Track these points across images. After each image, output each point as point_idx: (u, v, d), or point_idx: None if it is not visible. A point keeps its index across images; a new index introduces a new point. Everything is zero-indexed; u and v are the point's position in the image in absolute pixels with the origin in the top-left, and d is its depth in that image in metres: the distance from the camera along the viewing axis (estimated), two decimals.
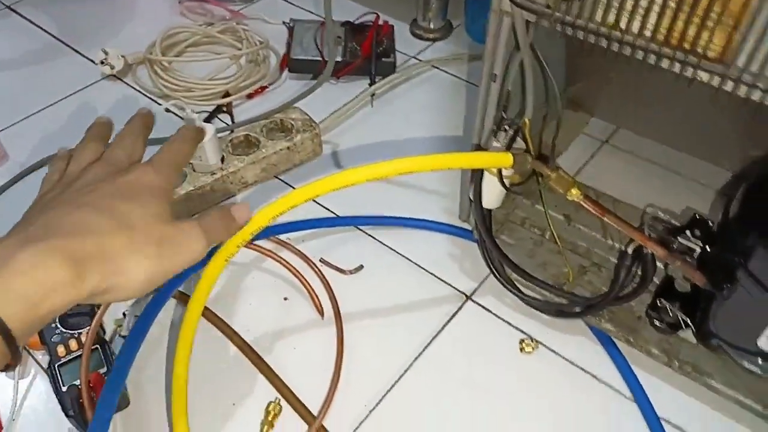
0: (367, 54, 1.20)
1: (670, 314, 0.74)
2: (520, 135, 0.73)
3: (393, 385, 0.76)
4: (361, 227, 0.95)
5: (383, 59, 1.21)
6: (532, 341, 0.79)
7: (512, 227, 0.89)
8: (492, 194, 0.79)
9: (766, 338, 0.62)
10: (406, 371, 0.77)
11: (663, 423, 0.71)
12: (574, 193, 0.65)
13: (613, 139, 1.08)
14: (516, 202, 0.91)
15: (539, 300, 0.80)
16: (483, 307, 0.84)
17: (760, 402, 0.68)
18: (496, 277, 0.82)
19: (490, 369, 0.78)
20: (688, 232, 0.69)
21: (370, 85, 1.19)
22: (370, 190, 0.86)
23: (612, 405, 0.74)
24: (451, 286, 0.87)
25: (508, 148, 0.73)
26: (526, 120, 0.72)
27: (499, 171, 0.75)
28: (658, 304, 0.75)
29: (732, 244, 0.63)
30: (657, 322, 0.75)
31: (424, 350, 0.79)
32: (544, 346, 0.80)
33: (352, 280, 0.87)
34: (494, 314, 0.84)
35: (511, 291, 0.81)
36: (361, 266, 0.89)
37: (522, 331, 0.81)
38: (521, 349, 0.79)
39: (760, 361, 0.65)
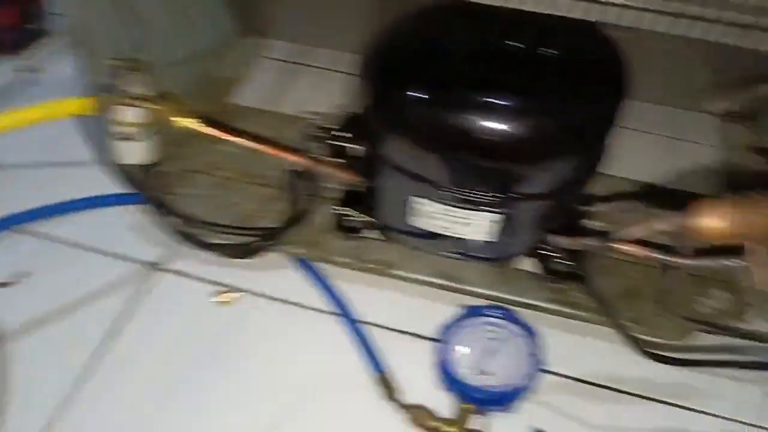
0: None
1: (351, 219, 0.72)
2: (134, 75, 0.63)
3: (77, 388, 0.65)
4: (15, 227, 0.79)
5: None
6: (232, 292, 0.73)
7: (193, 177, 0.80)
8: (136, 149, 0.69)
9: (414, 216, 0.62)
10: (90, 370, 0.67)
11: (365, 326, 0.70)
12: (187, 122, 0.58)
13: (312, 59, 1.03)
14: (198, 149, 0.82)
15: (229, 245, 0.74)
16: (175, 272, 0.76)
17: (444, 277, 0.70)
18: (178, 234, 0.74)
19: (191, 332, 0.70)
20: (342, 133, 0.66)
21: None
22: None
23: (318, 326, 0.72)
24: (136, 260, 0.76)
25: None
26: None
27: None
28: (339, 211, 0.72)
29: (369, 134, 0.61)
30: (345, 230, 0.73)
31: (111, 340, 0.69)
32: (249, 292, 0.74)
33: (16, 291, 0.73)
34: (188, 275, 0.76)
35: (194, 245, 0.73)
36: (28, 273, 0.75)
37: (223, 284, 0.75)
38: (222, 303, 0.73)
39: (417, 238, 0.66)
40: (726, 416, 0.64)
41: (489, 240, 0.60)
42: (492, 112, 0.51)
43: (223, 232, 0.72)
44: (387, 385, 0.66)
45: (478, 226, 0.59)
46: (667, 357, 0.62)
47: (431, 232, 0.64)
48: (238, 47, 0.90)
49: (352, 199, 0.72)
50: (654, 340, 0.68)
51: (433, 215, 0.60)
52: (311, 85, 0.97)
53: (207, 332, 0.71)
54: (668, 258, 0.51)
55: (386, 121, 0.56)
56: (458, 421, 0.62)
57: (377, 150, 0.58)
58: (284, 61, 1.01)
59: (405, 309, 0.72)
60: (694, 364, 0.63)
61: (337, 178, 0.61)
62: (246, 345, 0.70)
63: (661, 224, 0.35)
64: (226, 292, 0.73)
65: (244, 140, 0.61)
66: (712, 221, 0.33)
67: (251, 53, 1.00)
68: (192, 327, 0.71)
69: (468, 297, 0.71)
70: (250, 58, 0.99)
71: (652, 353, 0.61)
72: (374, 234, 0.73)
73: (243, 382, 0.67)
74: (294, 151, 0.61)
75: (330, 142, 0.64)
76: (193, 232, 0.73)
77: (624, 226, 0.38)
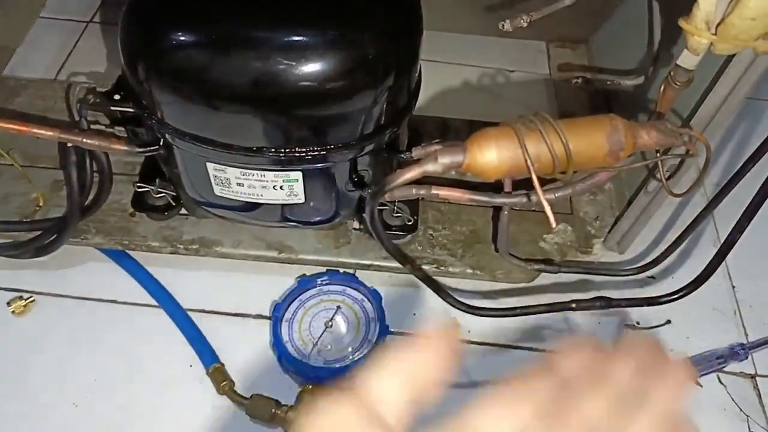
0: None
1: (156, 196, 0.63)
2: None
3: None
4: None
5: None
6: (22, 299, 0.62)
7: None
8: None
9: (218, 186, 0.53)
10: None
11: (191, 313, 0.62)
12: None
13: (99, 16, 0.89)
14: None
15: (13, 244, 0.62)
16: None
17: (273, 248, 0.63)
18: None
19: None
20: (117, 96, 0.55)
21: None
22: None
23: (139, 321, 0.62)
24: None
25: None
26: None
27: None
28: (140, 189, 0.63)
29: (133, 92, 0.51)
30: (150, 209, 0.63)
31: None
32: (46, 294, 0.63)
33: None
34: None
35: None
36: None
37: (15, 290, 0.63)
38: (13, 312, 0.61)
39: (231, 210, 0.58)
40: None
41: (300, 201, 0.53)
42: (265, 49, 0.43)
43: (1, 230, 0.60)
44: (221, 378, 0.58)
45: (282, 187, 0.51)
46: (481, 309, 0.58)
47: (246, 202, 0.56)
48: (9, 7, 0.76)
49: (154, 172, 0.62)
50: (504, 286, 0.66)
51: (235, 182, 0.52)
52: (98, 46, 0.84)
53: (7, 348, 0.60)
54: (489, 199, 0.47)
55: (149, 75, 0.46)
56: (299, 406, 0.56)
57: (146, 110, 0.49)
58: (67, 20, 0.87)
59: (233, 289, 0.64)
60: (507, 315, 0.60)
61: (114, 150, 0.52)
62: (56, 356, 0.60)
63: (433, 166, 0.30)
64: (17, 299, 0.62)
65: None
66: (482, 156, 0.28)
67: (25, 14, 0.85)
68: None
69: (303, 267, 0.64)
70: (25, 21, 0.84)
71: (468, 306, 0.57)
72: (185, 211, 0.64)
73: (60, 398, 0.57)
74: (54, 125, 0.50)
75: (104, 108, 0.54)
76: None
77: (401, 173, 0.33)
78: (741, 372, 0.64)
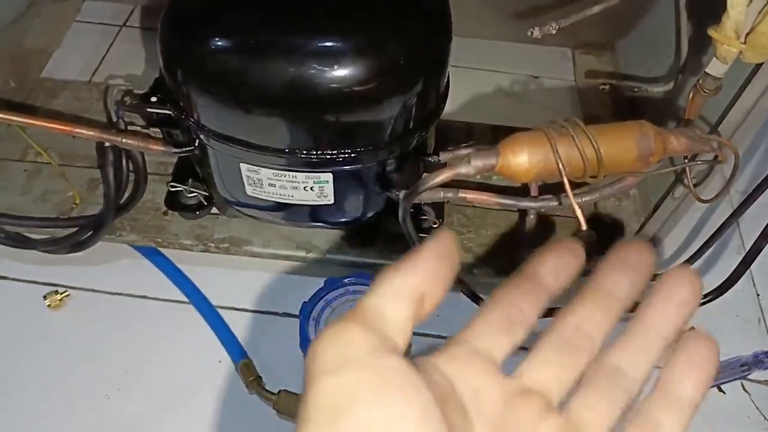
0: None
1: (188, 195, 0.64)
2: None
3: None
4: None
5: None
6: (58, 293, 0.64)
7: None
8: None
9: (251, 186, 0.55)
10: None
11: (220, 311, 0.64)
12: None
13: (131, 20, 0.92)
14: (4, 134, 0.71)
15: (50, 240, 0.64)
16: None
17: (302, 248, 0.64)
18: None
19: (25, 343, 0.61)
20: (154, 98, 0.57)
21: None
22: None
23: (170, 318, 0.64)
24: None
25: None
26: None
27: None
28: (174, 188, 0.64)
29: (171, 94, 0.52)
30: (184, 208, 0.65)
31: None
32: (81, 289, 0.65)
33: None
34: (11, 279, 0.66)
35: (12, 243, 0.63)
36: None
37: (52, 285, 0.65)
38: (49, 306, 0.64)
39: (262, 210, 0.59)
40: None
41: (330, 202, 0.55)
42: (299, 55, 0.45)
43: (39, 226, 0.62)
44: (249, 374, 0.60)
45: (312, 188, 0.52)
46: None
47: (277, 203, 0.58)
48: (46, 13, 0.78)
49: (186, 172, 0.64)
50: None
51: (267, 182, 0.53)
52: (131, 49, 0.86)
53: (43, 340, 0.62)
54: (516, 202, 0.48)
55: (187, 79, 0.48)
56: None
57: (183, 112, 0.50)
58: (101, 23, 0.90)
59: (263, 288, 0.66)
60: None
61: (151, 151, 0.53)
62: (90, 349, 0.62)
63: (466, 168, 0.31)
64: (54, 293, 0.64)
65: (35, 121, 0.51)
66: (514, 159, 0.29)
67: (63, 19, 0.88)
68: (24, 336, 0.62)
69: (330, 267, 0.66)
70: (63, 25, 0.87)
71: None
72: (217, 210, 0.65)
73: (93, 389, 0.59)
74: (94, 125, 0.52)
75: (141, 110, 0.55)
76: (8, 229, 0.63)
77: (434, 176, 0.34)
78: (765, 380, 0.64)
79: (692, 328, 0.70)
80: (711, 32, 0.39)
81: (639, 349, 0.23)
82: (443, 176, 0.32)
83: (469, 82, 0.83)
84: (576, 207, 0.28)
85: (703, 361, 0.23)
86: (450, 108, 0.57)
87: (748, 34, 0.38)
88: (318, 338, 0.21)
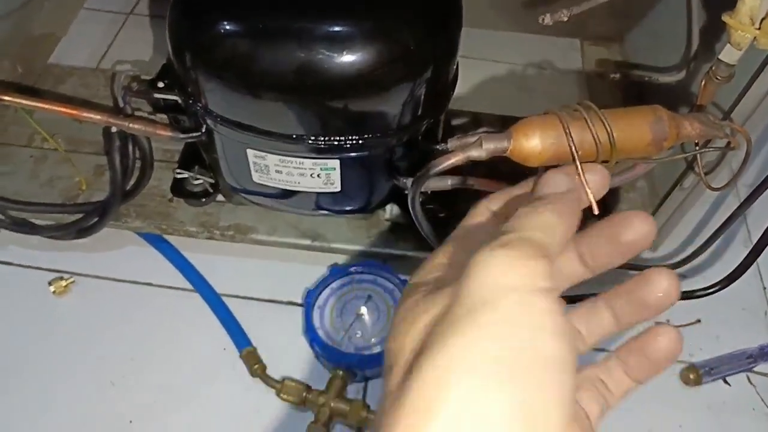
0: None
1: (194, 182, 0.64)
2: None
3: None
4: None
5: None
6: (63, 279, 0.64)
7: (8, 152, 0.69)
8: None
9: (257, 173, 0.55)
10: None
11: (225, 298, 0.64)
12: None
13: (139, 8, 0.92)
14: (9, 119, 0.71)
15: (56, 226, 0.64)
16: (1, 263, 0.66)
17: (307, 236, 0.64)
18: None
19: (31, 328, 0.61)
20: (161, 84, 0.57)
21: None
22: None
23: (174, 305, 0.64)
24: None
25: None
26: None
27: None
28: (180, 175, 0.64)
29: (179, 79, 0.52)
30: (189, 195, 0.65)
31: None
32: (86, 275, 0.65)
33: None
34: (16, 265, 0.66)
35: (18, 229, 0.63)
36: None
37: (57, 271, 0.66)
38: (54, 292, 0.64)
39: (268, 198, 0.59)
40: None
41: (336, 190, 0.54)
42: (308, 39, 0.45)
43: (45, 212, 0.62)
44: (253, 361, 0.60)
45: (319, 175, 0.52)
46: None
47: (283, 190, 0.57)
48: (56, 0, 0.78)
49: (193, 159, 0.64)
50: None
51: (274, 169, 0.53)
52: (139, 36, 0.86)
53: (48, 326, 0.62)
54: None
55: (195, 63, 0.48)
56: (329, 391, 0.57)
57: (191, 98, 0.50)
58: (108, 11, 0.89)
59: (268, 276, 0.66)
60: None
61: (158, 136, 0.53)
62: (95, 335, 0.62)
63: (477, 151, 0.31)
64: (59, 279, 0.64)
65: (43, 104, 0.51)
66: (527, 142, 0.29)
67: (71, 5, 0.87)
68: (29, 323, 0.62)
69: (336, 255, 0.65)
70: (70, 11, 0.87)
71: None
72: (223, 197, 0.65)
73: (97, 376, 0.59)
74: (101, 110, 0.52)
75: (148, 96, 0.55)
76: (14, 215, 0.63)
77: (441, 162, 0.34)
78: None
79: (698, 320, 0.70)
80: (725, 18, 0.39)
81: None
82: (454, 159, 0.32)
83: (478, 72, 0.82)
84: (588, 191, 0.28)
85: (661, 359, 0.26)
86: (458, 97, 0.57)
87: (763, 19, 0.38)
88: (478, 266, 0.22)
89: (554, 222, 0.24)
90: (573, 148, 0.29)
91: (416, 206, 0.44)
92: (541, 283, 0.21)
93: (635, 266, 0.64)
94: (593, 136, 0.29)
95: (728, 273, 0.57)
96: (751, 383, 0.64)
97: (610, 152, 0.30)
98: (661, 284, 0.26)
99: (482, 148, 0.31)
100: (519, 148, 0.29)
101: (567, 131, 0.29)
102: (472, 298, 0.20)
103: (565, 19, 0.39)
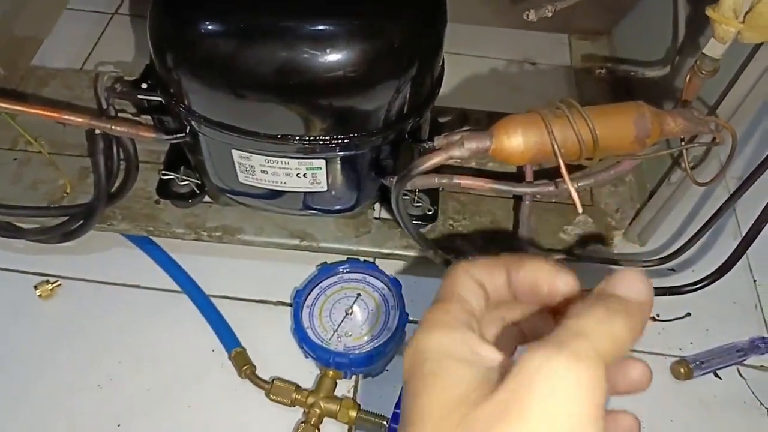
0: None
1: (180, 183, 0.64)
2: None
3: None
4: None
5: None
6: (49, 283, 0.63)
7: None
8: None
9: (243, 173, 0.54)
10: None
11: (213, 299, 0.63)
12: None
13: (123, 8, 0.91)
14: None
15: (41, 229, 0.63)
16: None
17: (295, 236, 0.63)
18: None
19: (15, 333, 0.61)
20: (145, 85, 0.56)
21: None
22: None
23: (162, 306, 0.63)
24: None
25: None
26: None
27: None
28: (166, 176, 0.64)
29: (161, 80, 0.52)
30: (176, 196, 0.64)
31: None
32: (72, 278, 0.65)
33: None
34: (1, 269, 0.65)
35: (2, 233, 0.63)
36: None
37: (42, 274, 0.65)
38: (40, 295, 0.63)
39: (255, 198, 0.59)
40: None
41: (323, 189, 0.54)
42: (291, 38, 0.44)
43: (30, 215, 0.61)
44: (242, 362, 0.59)
45: (305, 175, 0.52)
46: None
47: (270, 190, 0.57)
48: (37, 0, 0.77)
49: (178, 160, 0.63)
50: None
51: (259, 169, 0.53)
52: (123, 37, 0.85)
53: (34, 330, 0.62)
54: (511, 188, 0.47)
55: (177, 63, 0.47)
56: (319, 390, 0.57)
57: (173, 99, 0.49)
58: (92, 11, 0.89)
59: (255, 276, 0.65)
60: None
61: (142, 138, 0.53)
62: (82, 338, 0.61)
63: (459, 151, 0.30)
64: (44, 283, 0.63)
65: (25, 108, 0.51)
66: (509, 141, 0.28)
67: (54, 6, 0.86)
68: (15, 326, 0.61)
69: (324, 255, 0.65)
70: (54, 12, 0.86)
71: None
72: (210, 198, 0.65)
73: (85, 379, 0.59)
74: (84, 112, 0.51)
75: (131, 97, 0.55)
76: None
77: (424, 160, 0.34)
78: (761, 365, 0.64)
79: (688, 314, 0.69)
80: (709, 12, 0.39)
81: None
82: (436, 159, 0.32)
83: (465, 68, 0.82)
84: (573, 190, 0.27)
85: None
86: (445, 94, 0.56)
87: (746, 13, 0.38)
88: (540, 382, 0.19)
89: (625, 338, 0.21)
90: (555, 147, 0.29)
91: (400, 206, 0.43)
92: (599, 412, 0.20)
93: (615, 261, 0.64)
94: (576, 134, 0.29)
95: (716, 268, 0.57)
96: (741, 376, 0.64)
97: (593, 150, 0.30)
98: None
99: (464, 147, 0.30)
100: (501, 147, 0.28)
101: (549, 130, 0.28)
102: (530, 407, 0.19)
103: (550, 15, 0.38)
